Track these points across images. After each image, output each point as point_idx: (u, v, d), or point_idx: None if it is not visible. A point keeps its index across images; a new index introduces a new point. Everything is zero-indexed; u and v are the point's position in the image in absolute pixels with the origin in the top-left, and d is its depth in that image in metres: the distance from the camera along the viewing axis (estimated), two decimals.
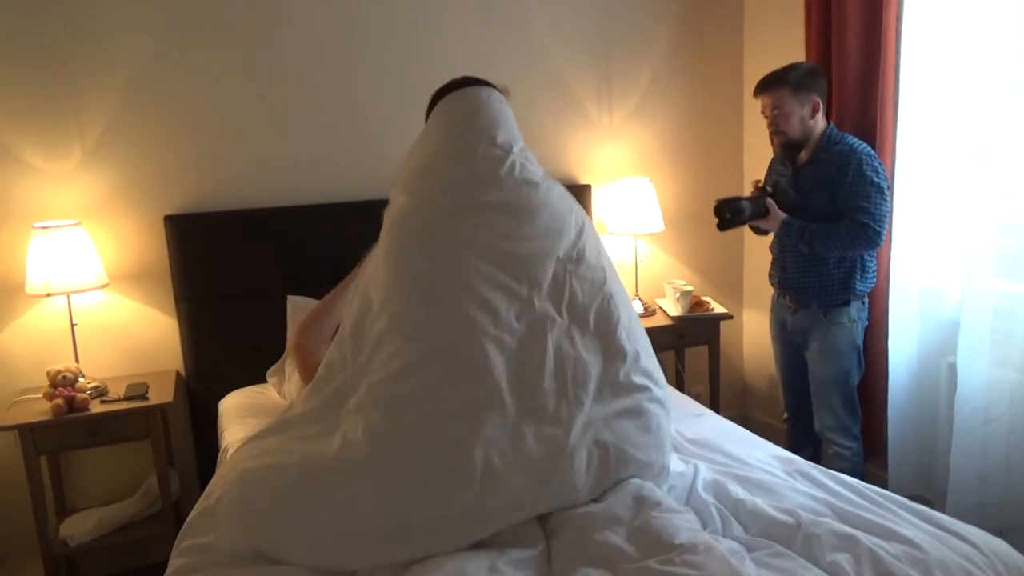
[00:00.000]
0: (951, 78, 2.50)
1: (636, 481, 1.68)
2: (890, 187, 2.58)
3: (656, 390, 1.80)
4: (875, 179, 2.45)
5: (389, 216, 1.81)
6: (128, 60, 2.69)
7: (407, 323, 1.65)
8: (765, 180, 2.80)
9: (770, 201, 2.57)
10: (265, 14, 2.84)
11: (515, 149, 1.82)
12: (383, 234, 1.81)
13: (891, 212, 2.59)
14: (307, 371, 2.15)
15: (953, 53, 2.49)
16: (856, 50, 2.78)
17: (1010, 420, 2.41)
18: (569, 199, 1.89)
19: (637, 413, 1.73)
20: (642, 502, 1.60)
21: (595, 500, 1.66)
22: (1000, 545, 1.57)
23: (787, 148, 2.61)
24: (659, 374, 1.86)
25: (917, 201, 2.62)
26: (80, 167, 2.70)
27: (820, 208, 2.53)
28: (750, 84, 3.56)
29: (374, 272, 1.77)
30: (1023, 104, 2.32)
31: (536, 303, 1.69)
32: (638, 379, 1.77)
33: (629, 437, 1.69)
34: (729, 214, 2.55)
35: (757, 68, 3.53)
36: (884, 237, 2.49)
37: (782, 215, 2.57)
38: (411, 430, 1.55)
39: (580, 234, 1.81)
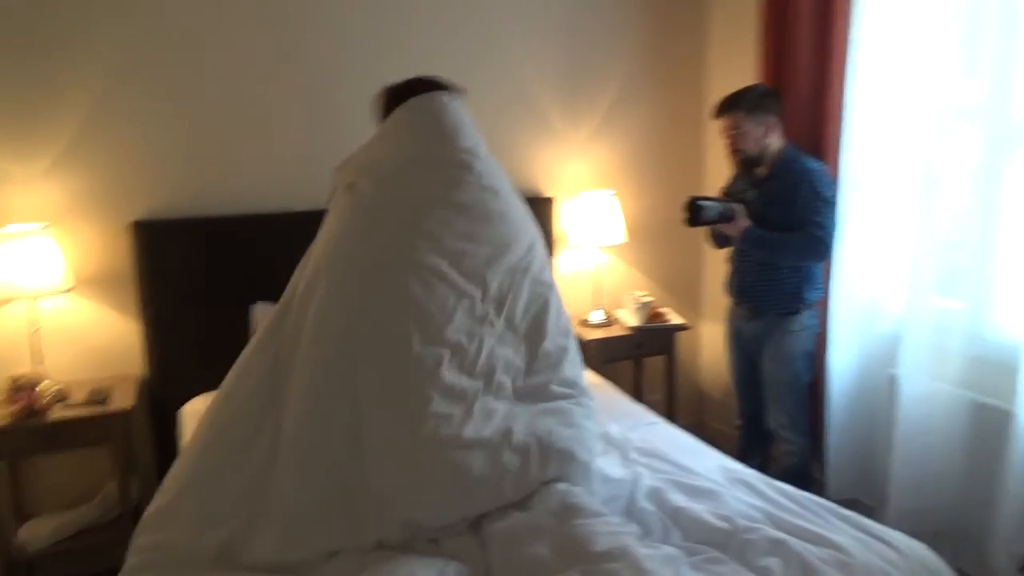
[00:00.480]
0: (896, 100, 2.63)
1: (562, 486, 1.73)
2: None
3: (578, 396, 1.88)
4: (826, 195, 2.62)
5: (349, 199, 1.83)
6: (99, 67, 2.72)
7: (350, 306, 1.71)
8: (728, 192, 2.91)
9: (739, 207, 2.69)
10: (233, 23, 2.88)
11: (480, 154, 1.87)
12: (341, 215, 1.83)
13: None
14: None
15: (898, 76, 2.61)
16: (807, 75, 2.89)
17: (946, 432, 2.52)
18: (524, 212, 1.96)
19: (557, 411, 1.82)
20: (567, 509, 1.66)
21: (522, 505, 1.71)
22: (921, 549, 1.67)
23: (745, 165, 2.74)
24: (583, 383, 1.94)
25: (862, 217, 2.73)
26: (50, 171, 2.72)
27: (777, 220, 2.66)
28: (710, 103, 3.68)
29: (326, 249, 1.80)
30: (965, 126, 2.43)
31: (479, 305, 1.76)
32: (559, 388, 1.85)
33: (551, 431, 1.76)
34: (700, 210, 2.65)
35: (717, 89, 3.64)
36: (832, 251, 2.65)
37: (746, 222, 2.68)
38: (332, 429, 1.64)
39: (530, 248, 1.88)
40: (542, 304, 1.87)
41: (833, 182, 2.66)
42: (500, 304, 1.80)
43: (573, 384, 1.89)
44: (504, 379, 1.78)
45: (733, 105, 2.68)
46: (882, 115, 2.67)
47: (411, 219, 1.75)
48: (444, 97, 1.90)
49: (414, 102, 1.88)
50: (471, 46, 3.24)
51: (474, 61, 3.26)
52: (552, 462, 1.74)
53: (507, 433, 1.70)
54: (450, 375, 1.68)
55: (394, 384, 1.65)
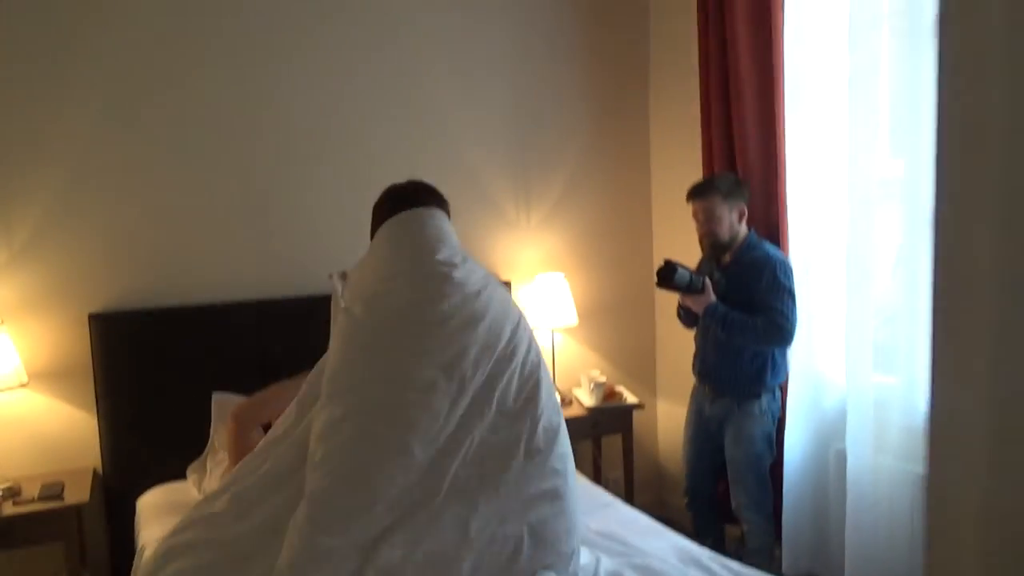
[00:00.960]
0: (828, 182, 2.81)
1: (549, 574, 1.77)
2: None
3: (567, 476, 1.91)
4: (787, 284, 2.74)
5: (341, 327, 1.90)
6: (55, 165, 2.79)
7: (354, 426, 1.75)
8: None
9: (708, 281, 2.79)
10: (188, 118, 2.98)
11: (458, 262, 1.94)
12: (340, 337, 1.88)
13: None
14: (235, 446, 2.25)
15: (830, 158, 2.80)
16: (755, 159, 3.05)
17: (892, 503, 2.62)
18: (507, 301, 2.01)
19: (551, 496, 1.84)
20: None
21: None
22: None
23: (715, 249, 2.86)
24: (572, 462, 1.98)
25: (807, 298, 2.87)
26: (5, 268, 2.74)
27: (739, 304, 2.77)
28: (658, 191, 3.88)
29: (329, 373, 1.84)
30: (888, 205, 2.61)
31: (473, 403, 1.81)
32: (554, 466, 1.87)
33: (545, 521, 1.79)
34: (674, 273, 2.74)
35: (663, 175, 3.84)
36: (793, 336, 2.74)
37: (713, 298, 2.78)
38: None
39: (513, 333, 1.93)
40: (533, 384, 1.92)
41: (791, 271, 2.78)
42: (491, 395, 1.84)
43: (565, 461, 1.93)
44: (496, 468, 1.81)
45: (710, 190, 2.80)
46: (819, 197, 2.85)
47: (401, 337, 1.82)
48: (423, 213, 1.99)
49: (395, 220, 1.98)
50: (426, 142, 3.39)
51: (430, 155, 3.39)
52: (542, 553, 1.78)
53: (502, 522, 1.75)
54: (449, 473, 1.74)
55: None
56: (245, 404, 2.38)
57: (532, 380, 1.92)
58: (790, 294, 2.73)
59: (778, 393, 2.87)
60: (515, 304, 2.05)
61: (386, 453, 1.72)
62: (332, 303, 2.00)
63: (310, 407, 1.87)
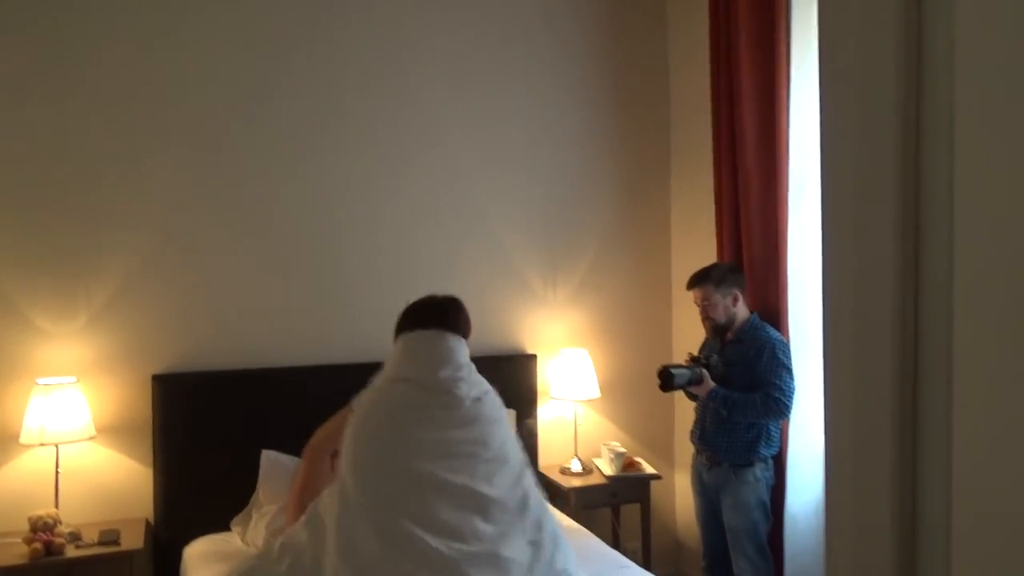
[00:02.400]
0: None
1: None
2: None
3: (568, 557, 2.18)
4: (786, 362, 2.97)
5: (357, 413, 2.23)
6: (131, 243, 3.13)
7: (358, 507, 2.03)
8: (700, 353, 3.27)
9: (704, 371, 3.03)
10: (249, 202, 3.32)
11: (463, 376, 2.25)
12: (354, 423, 2.21)
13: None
14: (308, 474, 2.51)
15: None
16: (760, 254, 3.31)
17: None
18: (501, 410, 2.32)
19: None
20: None
21: None
22: None
23: (716, 330, 3.13)
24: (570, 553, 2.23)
25: (805, 375, 3.07)
26: (83, 330, 3.05)
27: (740, 380, 3.00)
28: (677, 272, 4.14)
29: (342, 464, 2.17)
30: None
31: (468, 496, 2.06)
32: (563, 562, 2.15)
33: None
34: (672, 378, 3.00)
35: (682, 259, 4.11)
36: (791, 410, 2.95)
37: (712, 384, 3.02)
38: None
39: (503, 442, 2.24)
40: (524, 489, 2.18)
41: (789, 351, 3.03)
42: (484, 488, 2.10)
43: (567, 554, 2.18)
44: (513, 552, 2.05)
45: (702, 279, 3.11)
46: (817, 281, 3.08)
47: (404, 430, 2.13)
48: (432, 334, 2.30)
49: (410, 336, 2.31)
50: (462, 225, 3.70)
51: (465, 237, 3.71)
52: None
53: None
54: (458, 553, 1.97)
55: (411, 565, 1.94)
56: (319, 436, 2.63)
57: (521, 487, 2.18)
58: (788, 371, 2.95)
59: (771, 463, 3.04)
60: (503, 412, 2.33)
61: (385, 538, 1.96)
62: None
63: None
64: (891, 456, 0.61)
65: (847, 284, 0.62)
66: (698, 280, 3.13)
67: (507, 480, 2.15)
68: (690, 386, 3.06)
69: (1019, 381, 0.47)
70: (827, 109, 0.61)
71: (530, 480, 2.23)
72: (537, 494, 2.23)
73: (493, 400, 2.28)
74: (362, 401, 2.24)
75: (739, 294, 3.09)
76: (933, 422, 0.58)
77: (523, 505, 2.15)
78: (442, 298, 2.42)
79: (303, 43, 3.41)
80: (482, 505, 2.05)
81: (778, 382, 2.92)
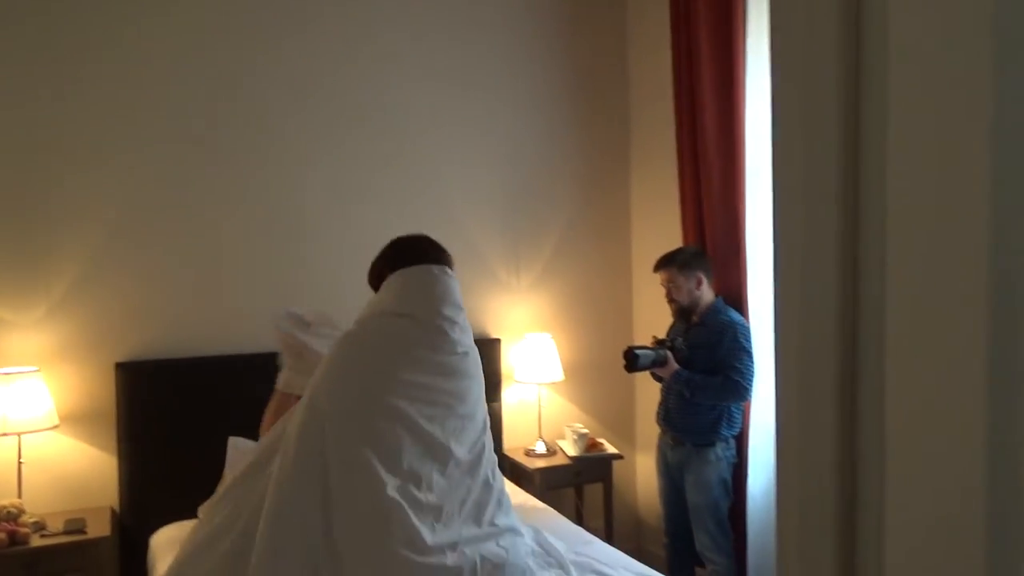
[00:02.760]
0: None
1: None
2: None
3: (516, 525, 2.24)
4: (746, 346, 3.06)
5: (343, 339, 2.16)
6: (90, 229, 3.10)
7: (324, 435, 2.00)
8: (666, 336, 3.35)
9: (668, 353, 3.12)
10: (207, 191, 3.31)
11: (459, 321, 2.21)
12: (334, 350, 2.15)
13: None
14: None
15: None
16: (722, 239, 3.40)
17: None
18: (479, 367, 2.31)
19: (497, 535, 2.15)
20: None
21: None
22: None
23: (680, 313, 3.22)
24: (512, 513, 2.28)
25: (766, 357, 3.17)
26: (43, 320, 3.02)
27: (701, 363, 3.09)
28: (638, 258, 4.23)
29: (317, 381, 2.10)
30: None
31: (437, 446, 2.09)
32: (503, 519, 2.20)
33: (495, 552, 2.09)
34: (636, 359, 3.07)
35: (643, 244, 4.19)
36: (752, 393, 3.05)
37: (676, 366, 3.10)
38: None
39: (478, 400, 2.25)
40: (482, 447, 2.21)
41: (751, 334, 3.12)
42: (451, 443, 2.12)
43: (508, 512, 2.22)
44: (452, 507, 2.09)
45: (667, 262, 3.19)
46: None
47: (390, 367, 2.10)
48: (435, 269, 2.24)
49: (409, 271, 2.21)
50: (429, 211, 3.73)
51: (430, 224, 3.72)
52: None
53: (457, 552, 2.02)
54: (409, 499, 2.00)
55: (362, 502, 1.96)
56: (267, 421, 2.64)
57: (481, 442, 2.21)
58: (748, 354, 3.04)
59: (732, 443, 3.15)
60: (481, 374, 2.33)
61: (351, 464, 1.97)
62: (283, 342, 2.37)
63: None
64: (833, 424, 0.67)
65: (795, 266, 0.68)
66: (664, 263, 3.21)
67: (470, 438, 2.17)
68: (654, 367, 3.14)
69: (942, 355, 0.53)
70: (776, 98, 0.67)
71: (489, 439, 2.25)
72: (491, 454, 2.25)
73: (476, 357, 2.27)
74: (354, 330, 2.17)
75: (703, 278, 3.17)
76: (870, 391, 0.64)
77: (476, 463, 2.18)
78: (424, 236, 2.37)
79: (265, 29, 3.40)
80: (443, 459, 2.07)
81: (738, 365, 3.01)
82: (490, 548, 2.09)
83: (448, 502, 2.08)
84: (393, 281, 2.23)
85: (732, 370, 3.02)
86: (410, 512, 1.96)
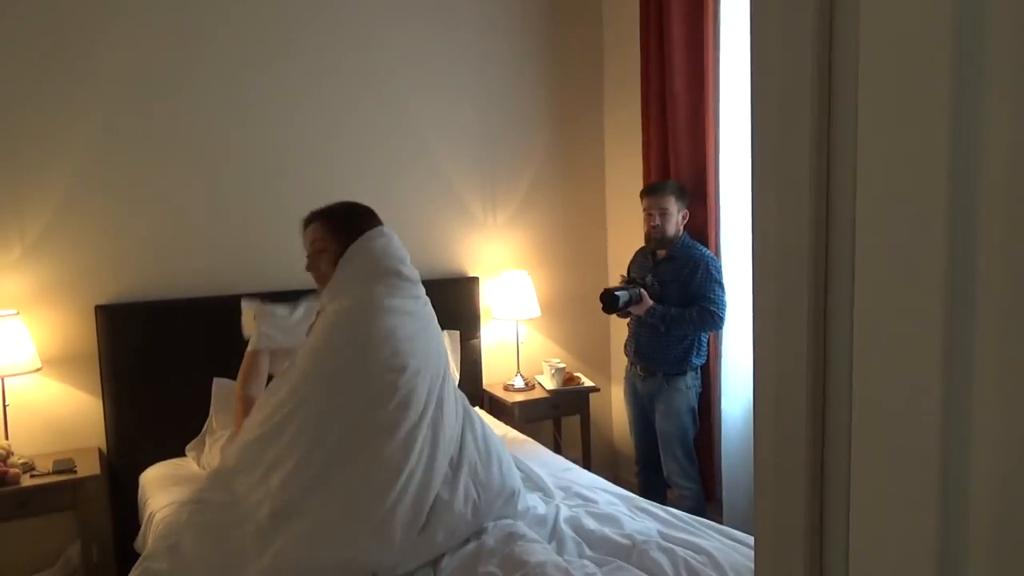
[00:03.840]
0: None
1: (507, 521, 2.20)
2: None
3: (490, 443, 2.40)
4: (718, 278, 3.15)
5: (322, 318, 2.33)
6: (64, 166, 3.05)
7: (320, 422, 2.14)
8: (629, 273, 3.42)
9: (642, 291, 3.19)
10: (188, 126, 3.27)
11: (414, 277, 2.42)
12: (317, 327, 2.31)
13: None
14: (242, 407, 2.66)
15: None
16: (690, 176, 3.46)
17: None
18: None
19: (493, 458, 2.31)
20: (510, 536, 2.11)
21: (477, 536, 2.13)
22: None
23: (660, 242, 3.25)
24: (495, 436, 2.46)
25: (736, 291, 3.27)
26: (19, 262, 3.00)
27: (675, 296, 3.18)
28: (611, 196, 4.27)
29: (306, 357, 2.25)
30: None
31: (424, 396, 2.22)
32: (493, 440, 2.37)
33: (487, 483, 2.24)
34: (615, 300, 3.14)
35: (616, 184, 4.23)
36: (724, 322, 3.15)
37: (650, 302, 3.18)
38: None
39: (446, 350, 2.47)
40: (451, 383, 2.39)
41: (721, 267, 3.21)
42: (436, 393, 2.26)
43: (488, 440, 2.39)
44: (446, 450, 2.22)
45: (664, 188, 3.22)
46: (745, 202, 3.26)
47: (370, 331, 2.23)
48: (386, 231, 2.45)
49: (367, 237, 2.38)
50: (402, 150, 3.72)
51: (406, 163, 3.73)
52: (495, 503, 2.22)
53: (458, 491, 2.15)
54: (407, 447, 2.11)
55: (364, 447, 2.08)
56: (243, 379, 2.75)
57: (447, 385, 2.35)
58: (720, 285, 3.14)
59: (699, 372, 3.27)
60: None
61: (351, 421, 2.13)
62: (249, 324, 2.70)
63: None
64: (807, 352, 0.73)
65: (771, 204, 0.72)
66: (658, 188, 3.23)
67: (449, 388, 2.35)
68: (630, 306, 3.21)
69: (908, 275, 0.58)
70: (755, 40, 0.71)
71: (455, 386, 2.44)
72: (467, 407, 2.42)
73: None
74: (352, 301, 2.30)
75: (687, 213, 3.25)
76: (840, 319, 0.70)
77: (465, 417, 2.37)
78: (346, 203, 2.55)
79: None
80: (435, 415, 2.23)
81: (712, 296, 3.10)
82: (484, 480, 2.29)
83: (442, 446, 2.23)
84: (372, 242, 2.38)
85: (706, 300, 3.10)
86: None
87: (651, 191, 3.25)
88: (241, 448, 2.26)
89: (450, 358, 2.59)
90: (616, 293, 3.14)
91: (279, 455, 2.10)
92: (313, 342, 2.28)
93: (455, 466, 2.21)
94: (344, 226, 2.39)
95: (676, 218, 3.20)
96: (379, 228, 2.44)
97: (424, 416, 2.16)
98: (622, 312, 3.37)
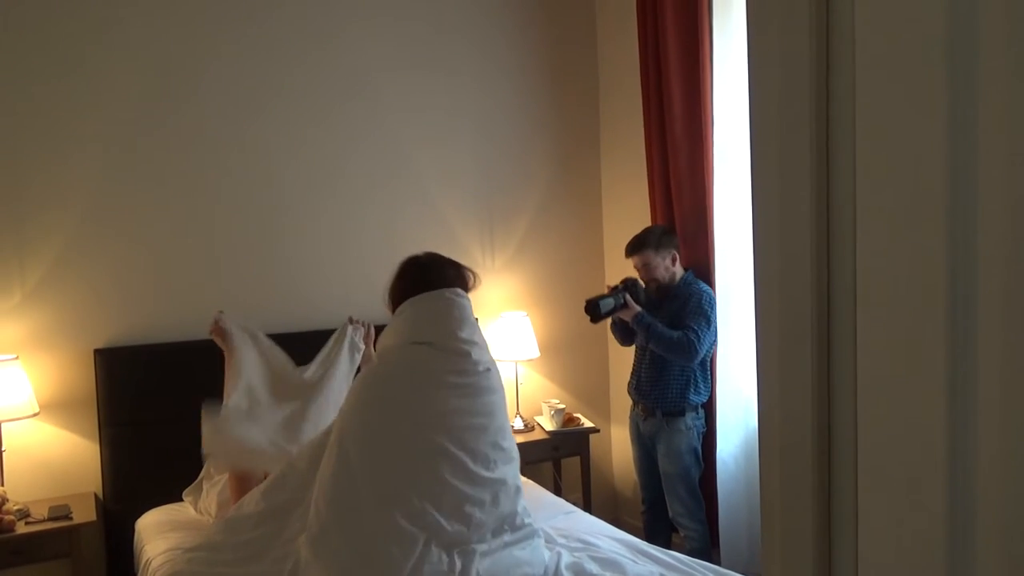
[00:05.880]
0: (749, 227, 3.25)
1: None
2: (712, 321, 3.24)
3: (536, 528, 2.28)
4: (707, 312, 3.17)
5: (366, 372, 2.24)
6: (65, 212, 3.08)
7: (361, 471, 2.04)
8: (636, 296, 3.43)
9: (627, 296, 3.20)
10: (186, 171, 3.30)
11: (477, 341, 2.24)
12: (358, 385, 2.21)
13: (715, 341, 3.24)
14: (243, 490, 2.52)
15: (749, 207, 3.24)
16: (690, 215, 3.50)
17: None
18: (500, 379, 2.34)
19: (525, 542, 2.20)
20: None
21: None
22: None
23: (659, 290, 3.30)
24: (529, 516, 2.31)
25: (731, 327, 3.28)
26: (20, 306, 3.01)
27: (666, 323, 3.19)
28: (609, 235, 4.30)
29: (345, 422, 2.14)
30: None
31: (469, 465, 2.10)
32: (520, 520, 2.23)
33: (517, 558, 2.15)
34: (598, 308, 3.13)
35: (613, 222, 4.27)
36: (700, 355, 3.14)
37: (637, 308, 3.19)
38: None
39: (504, 413, 2.29)
40: (509, 458, 2.23)
41: (714, 303, 3.22)
42: (482, 459, 2.14)
43: (524, 517, 2.25)
44: (483, 520, 2.11)
45: (641, 245, 3.27)
46: (742, 237, 3.28)
47: (419, 402, 2.12)
48: (447, 293, 2.23)
49: (422, 298, 2.21)
50: (402, 194, 3.77)
51: (405, 205, 3.77)
52: None
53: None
54: (444, 525, 2.03)
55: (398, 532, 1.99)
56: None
57: (509, 454, 2.23)
58: (706, 320, 3.15)
59: (701, 412, 3.27)
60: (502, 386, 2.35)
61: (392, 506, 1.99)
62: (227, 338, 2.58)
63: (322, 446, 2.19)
64: (811, 385, 0.73)
65: (773, 242, 0.74)
66: (637, 246, 3.28)
67: (501, 460, 2.18)
68: (616, 312, 3.19)
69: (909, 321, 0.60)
70: (753, 73, 0.72)
71: (516, 468, 2.26)
72: (519, 482, 2.26)
73: (497, 371, 2.27)
74: (375, 365, 2.23)
75: (676, 253, 3.27)
76: (842, 353, 0.70)
77: (510, 489, 2.19)
78: (443, 257, 2.36)
79: (235, 18, 3.38)
80: (479, 485, 2.10)
81: (694, 326, 3.12)
82: (515, 556, 2.14)
83: (479, 530, 2.10)
84: (407, 310, 2.23)
85: (689, 329, 3.12)
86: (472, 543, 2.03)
87: (630, 250, 3.31)
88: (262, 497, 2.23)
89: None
90: (599, 302, 3.14)
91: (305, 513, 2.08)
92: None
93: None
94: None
95: (663, 265, 3.25)
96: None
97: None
98: (620, 332, 3.37)
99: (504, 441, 2.20)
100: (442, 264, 2.32)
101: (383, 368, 2.21)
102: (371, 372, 2.23)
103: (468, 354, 2.17)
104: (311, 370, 2.78)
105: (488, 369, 2.23)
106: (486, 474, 2.11)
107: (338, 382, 2.75)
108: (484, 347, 2.27)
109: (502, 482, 2.15)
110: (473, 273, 2.35)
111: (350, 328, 2.85)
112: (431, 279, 2.25)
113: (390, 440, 2.07)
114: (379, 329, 2.48)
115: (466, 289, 2.30)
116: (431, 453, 2.05)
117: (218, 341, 2.79)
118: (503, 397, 2.29)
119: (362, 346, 2.87)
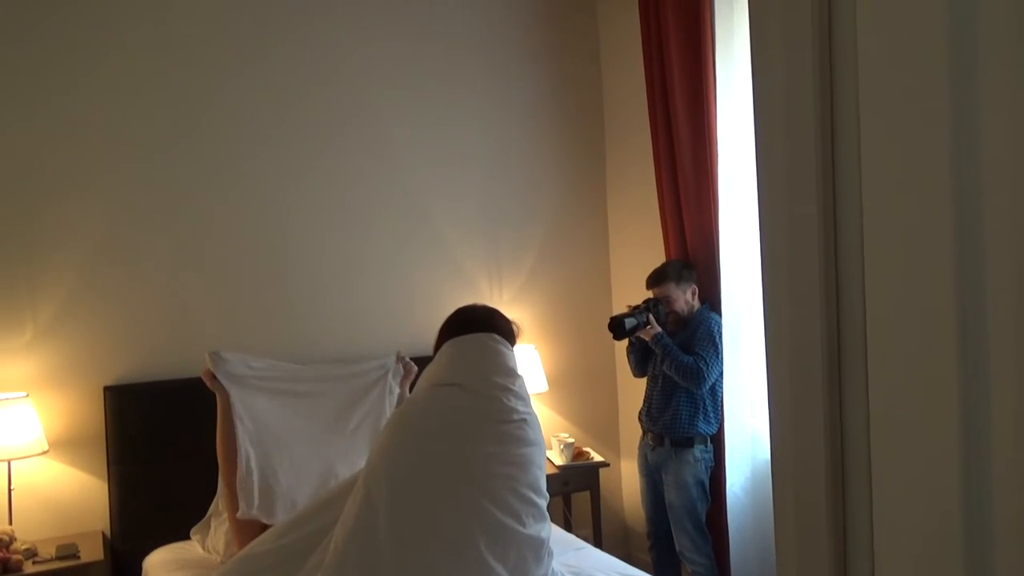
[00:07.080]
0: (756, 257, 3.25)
1: None
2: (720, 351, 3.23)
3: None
4: (716, 341, 3.20)
5: (398, 414, 2.17)
6: (76, 254, 3.11)
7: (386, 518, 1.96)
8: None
9: (650, 316, 3.23)
10: (196, 211, 3.34)
11: (513, 387, 2.12)
12: (390, 427, 2.13)
13: (721, 371, 3.22)
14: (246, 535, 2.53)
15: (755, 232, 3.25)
16: (700, 247, 3.51)
17: None
18: (538, 431, 2.21)
19: None
20: None
21: None
22: None
23: (677, 323, 3.33)
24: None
25: (740, 359, 3.26)
26: (31, 344, 3.02)
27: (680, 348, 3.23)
28: (615, 267, 4.31)
29: (371, 464, 2.06)
30: None
31: (502, 517, 1.99)
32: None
33: None
34: (623, 325, 3.17)
35: (620, 254, 4.28)
36: (708, 382, 3.16)
37: (657, 328, 3.22)
38: None
39: (541, 465, 2.19)
40: (541, 514, 2.12)
41: (722, 333, 3.23)
42: (510, 511, 2.02)
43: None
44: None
45: (662, 278, 3.32)
46: (749, 268, 3.28)
47: (446, 447, 2.03)
48: (484, 337, 2.17)
49: (459, 340, 2.17)
50: (407, 227, 3.79)
51: (411, 239, 3.79)
52: None
53: None
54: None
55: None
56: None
57: (540, 510, 2.12)
58: (714, 347, 3.18)
59: (710, 446, 3.25)
60: (542, 436, 2.26)
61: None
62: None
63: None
64: (823, 424, 0.73)
65: (782, 272, 0.74)
66: (658, 279, 3.32)
67: (530, 517, 2.05)
68: (638, 331, 3.23)
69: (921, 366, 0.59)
70: (757, 102, 0.73)
71: (549, 527, 2.15)
72: (551, 546, 2.15)
73: (535, 423, 2.17)
74: (401, 407, 2.20)
75: (695, 287, 3.32)
76: (855, 394, 0.70)
77: (540, 548, 2.08)
78: (495, 309, 2.33)
79: (243, 55, 3.44)
80: (507, 540, 1.98)
81: (702, 353, 3.16)
82: None
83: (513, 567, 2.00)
84: (444, 351, 2.19)
85: (697, 356, 3.16)
86: None
87: (652, 282, 3.35)
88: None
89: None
90: (624, 320, 3.18)
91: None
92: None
93: None
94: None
95: (683, 298, 3.30)
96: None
97: None
98: (636, 360, 3.41)
99: (537, 497, 2.09)
100: (490, 313, 2.28)
101: (408, 408, 2.17)
102: (396, 415, 2.20)
103: (500, 400, 2.07)
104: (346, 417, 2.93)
105: (524, 420, 2.12)
106: (518, 528, 2.01)
107: (371, 432, 2.88)
108: (523, 398, 2.16)
109: (538, 541, 2.06)
110: (518, 326, 2.31)
111: (391, 371, 2.94)
112: (472, 323, 2.21)
113: (413, 486, 1.98)
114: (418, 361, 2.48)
115: (510, 340, 2.24)
116: (454, 501, 1.97)
117: (208, 383, 2.82)
118: (541, 452, 2.17)
119: (397, 389, 2.94)
